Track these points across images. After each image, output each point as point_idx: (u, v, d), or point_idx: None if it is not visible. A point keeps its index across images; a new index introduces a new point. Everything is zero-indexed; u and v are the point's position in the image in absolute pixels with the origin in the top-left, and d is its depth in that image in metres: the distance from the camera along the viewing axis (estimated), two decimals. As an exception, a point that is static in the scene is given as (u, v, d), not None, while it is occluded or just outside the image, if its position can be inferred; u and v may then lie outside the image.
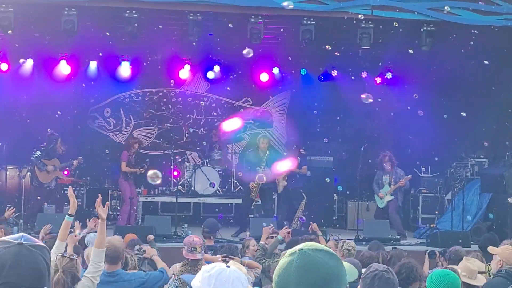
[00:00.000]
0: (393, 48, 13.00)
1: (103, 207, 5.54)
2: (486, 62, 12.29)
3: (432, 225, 13.63)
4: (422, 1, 11.59)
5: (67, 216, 5.83)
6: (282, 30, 13.00)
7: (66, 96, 15.18)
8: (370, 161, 13.96)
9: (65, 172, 13.81)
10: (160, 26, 12.41)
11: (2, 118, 14.69)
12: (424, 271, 8.42)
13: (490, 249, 6.58)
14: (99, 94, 16.07)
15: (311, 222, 10.16)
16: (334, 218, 15.20)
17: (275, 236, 8.68)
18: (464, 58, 13.23)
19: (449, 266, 6.79)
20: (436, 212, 14.14)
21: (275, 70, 15.97)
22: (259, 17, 11.65)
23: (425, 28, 11.93)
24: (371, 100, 8.84)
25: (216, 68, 15.88)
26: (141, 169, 13.33)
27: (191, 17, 11.59)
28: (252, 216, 13.48)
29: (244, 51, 9.86)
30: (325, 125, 16.28)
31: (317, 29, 11.80)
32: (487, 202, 13.68)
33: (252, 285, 5.90)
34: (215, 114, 16.74)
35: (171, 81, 15.29)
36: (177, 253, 7.26)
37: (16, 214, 13.38)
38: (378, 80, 15.75)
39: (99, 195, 5.77)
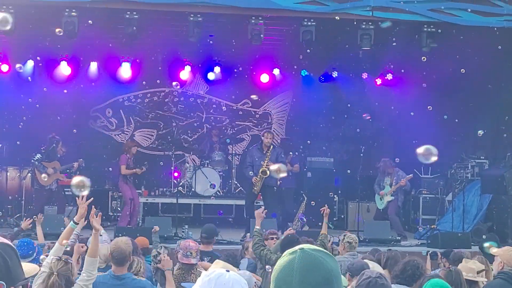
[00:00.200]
0: (393, 49, 13.01)
1: (96, 218, 5.60)
2: (486, 64, 12.30)
3: (432, 226, 13.64)
4: (423, 3, 11.59)
5: (72, 223, 5.82)
6: (283, 30, 13.00)
7: (67, 97, 15.19)
8: (370, 163, 13.97)
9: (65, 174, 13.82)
10: (160, 28, 12.42)
11: (3, 119, 14.70)
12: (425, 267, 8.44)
13: (492, 250, 6.59)
14: (100, 95, 16.08)
15: (325, 207, 8.90)
16: (334, 219, 15.18)
17: (275, 237, 8.65)
18: (465, 59, 13.22)
19: (452, 266, 6.81)
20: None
21: (276, 71, 15.98)
22: (260, 18, 11.65)
23: (425, 29, 11.93)
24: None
25: (217, 69, 15.89)
26: (142, 169, 13.33)
27: (191, 18, 11.59)
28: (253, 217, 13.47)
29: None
30: (326, 126, 16.29)
31: (318, 30, 11.81)
32: (487, 203, 13.69)
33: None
34: (215, 114, 16.76)
35: (174, 83, 15.27)
36: (177, 254, 7.25)
37: (17, 216, 13.41)
38: (379, 81, 15.75)
39: (93, 206, 5.75)
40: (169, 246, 8.67)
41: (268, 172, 12.53)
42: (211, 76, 16.00)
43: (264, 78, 15.91)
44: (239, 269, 7.24)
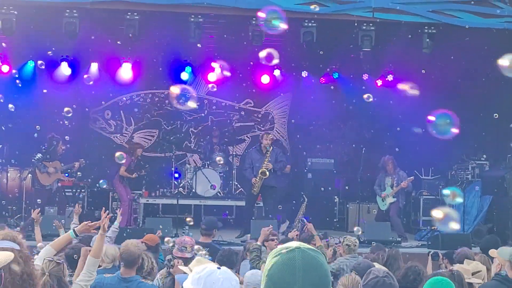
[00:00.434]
0: (394, 50, 13.01)
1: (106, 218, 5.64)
2: (486, 65, 12.27)
3: (433, 228, 13.63)
4: (423, 4, 11.60)
5: (71, 232, 5.81)
6: (284, 31, 12.98)
7: (67, 98, 15.17)
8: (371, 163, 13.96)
9: (66, 175, 13.82)
10: (161, 28, 12.42)
11: (3, 120, 14.68)
12: (427, 273, 8.45)
13: (491, 252, 6.61)
14: (100, 96, 16.07)
15: (306, 223, 9.77)
16: (335, 220, 15.19)
17: (276, 239, 8.64)
18: (465, 61, 13.23)
19: (454, 269, 6.82)
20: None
21: (276, 72, 15.98)
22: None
23: (426, 30, 11.93)
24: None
25: (217, 70, 15.87)
26: (141, 172, 13.36)
27: (192, 19, 11.60)
28: (254, 218, 13.47)
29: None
30: (326, 127, 16.28)
31: (319, 31, 11.81)
32: (488, 205, 13.69)
33: None
34: (216, 115, 16.76)
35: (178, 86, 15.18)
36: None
37: (17, 216, 13.40)
38: (379, 82, 15.75)
39: (104, 208, 5.76)
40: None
41: (267, 173, 12.55)
42: (211, 76, 16.00)
43: (265, 79, 15.92)
44: (234, 270, 7.25)
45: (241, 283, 5.08)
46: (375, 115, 15.54)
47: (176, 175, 14.89)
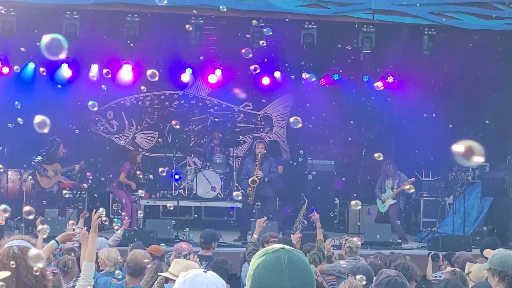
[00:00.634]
0: (394, 52, 13.01)
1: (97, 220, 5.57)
2: (487, 67, 12.31)
3: (433, 229, 13.63)
4: (424, 6, 11.60)
5: (54, 242, 5.69)
6: (285, 33, 13.00)
7: (68, 99, 15.18)
8: (371, 164, 13.96)
9: (67, 177, 13.83)
10: (161, 30, 12.42)
11: (3, 121, 14.68)
12: (427, 274, 8.46)
13: (486, 252, 6.60)
14: (101, 97, 16.05)
15: (313, 213, 9.24)
16: (335, 221, 15.19)
17: (276, 240, 8.63)
18: (465, 62, 13.24)
19: (457, 269, 6.85)
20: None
21: (277, 74, 15.98)
22: (261, 21, 11.65)
23: (426, 32, 11.94)
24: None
25: (218, 72, 15.90)
26: (140, 180, 13.52)
27: (192, 21, 11.59)
28: (254, 219, 13.46)
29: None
30: (327, 129, 16.29)
31: (319, 33, 11.81)
32: (488, 206, 13.69)
33: None
34: (216, 117, 16.76)
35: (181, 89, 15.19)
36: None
37: (17, 218, 13.39)
38: (380, 84, 15.75)
39: (94, 210, 5.67)
40: (170, 249, 8.64)
41: (257, 181, 12.55)
42: (212, 78, 16.01)
43: (265, 80, 15.92)
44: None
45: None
46: (375, 116, 15.55)
47: (177, 176, 14.89)
